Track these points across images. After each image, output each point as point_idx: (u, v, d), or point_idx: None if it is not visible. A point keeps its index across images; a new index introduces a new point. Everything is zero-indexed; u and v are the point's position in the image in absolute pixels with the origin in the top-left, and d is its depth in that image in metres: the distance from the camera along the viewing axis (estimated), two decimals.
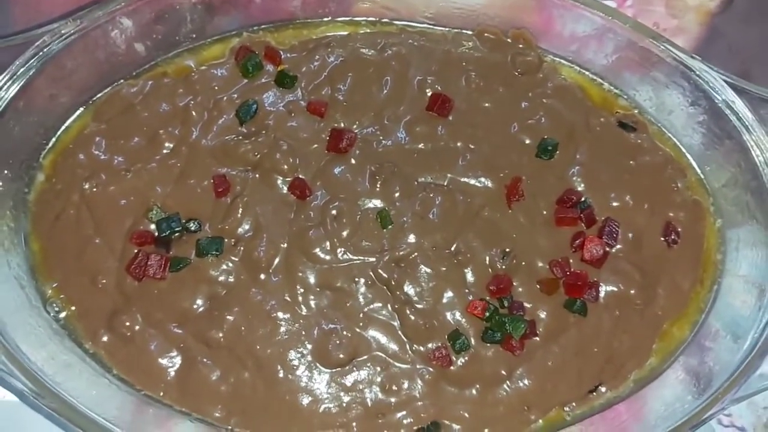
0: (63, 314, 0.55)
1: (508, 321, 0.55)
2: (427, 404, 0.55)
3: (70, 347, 0.54)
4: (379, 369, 0.55)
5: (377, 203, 0.59)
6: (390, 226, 0.58)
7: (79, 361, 0.54)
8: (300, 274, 0.57)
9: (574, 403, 0.56)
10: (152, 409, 0.54)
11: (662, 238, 0.60)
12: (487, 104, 0.62)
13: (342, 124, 0.61)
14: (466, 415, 0.55)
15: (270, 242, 0.57)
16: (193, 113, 0.60)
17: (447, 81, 0.62)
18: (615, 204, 0.60)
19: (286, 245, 0.57)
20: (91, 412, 0.48)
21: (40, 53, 0.54)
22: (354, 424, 0.54)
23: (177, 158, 0.59)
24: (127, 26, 0.59)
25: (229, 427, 0.54)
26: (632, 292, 0.58)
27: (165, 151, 0.59)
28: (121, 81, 0.60)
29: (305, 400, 0.54)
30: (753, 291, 0.58)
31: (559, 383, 0.56)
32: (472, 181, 0.60)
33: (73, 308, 0.55)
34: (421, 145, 0.60)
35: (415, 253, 0.57)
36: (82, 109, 0.59)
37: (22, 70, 0.54)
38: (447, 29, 0.65)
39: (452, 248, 0.58)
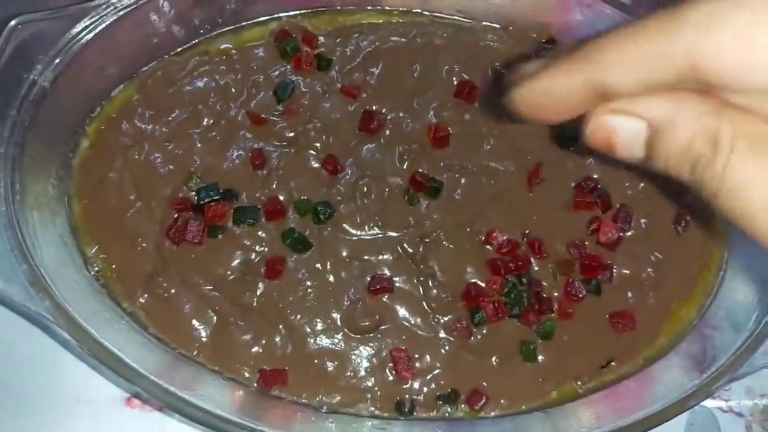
0: (102, 274, 0.58)
1: (526, 296, 0.59)
2: (447, 372, 0.58)
3: (109, 305, 0.57)
4: (403, 337, 0.58)
5: (404, 182, 0.62)
6: (416, 204, 0.61)
7: (117, 318, 0.56)
8: (330, 245, 0.60)
9: (586, 377, 0.59)
10: (185, 367, 0.56)
11: (672, 226, 0.63)
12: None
13: (373, 107, 0.64)
14: (485, 384, 0.58)
15: None
16: (233, 90, 0.63)
17: (474, 70, 0.65)
18: (629, 192, 0.63)
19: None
20: (133, 363, 0.51)
21: (94, 24, 0.57)
22: (377, 388, 0.57)
23: (216, 132, 0.61)
24: (169, 7, 0.62)
25: (256, 386, 0.56)
26: (643, 274, 0.61)
27: (205, 125, 0.62)
28: (166, 57, 0.63)
29: (332, 364, 0.57)
30: (755, 285, 0.61)
31: (573, 358, 0.59)
32: (496, 165, 0.63)
33: (114, 267, 0.58)
34: (448, 129, 0.63)
35: (440, 230, 0.61)
36: (127, 81, 0.62)
37: (76, 39, 0.56)
38: (474, 21, 0.68)
39: (474, 227, 0.61)
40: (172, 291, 0.57)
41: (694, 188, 0.29)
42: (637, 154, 0.31)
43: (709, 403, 0.65)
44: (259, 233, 0.59)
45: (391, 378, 0.57)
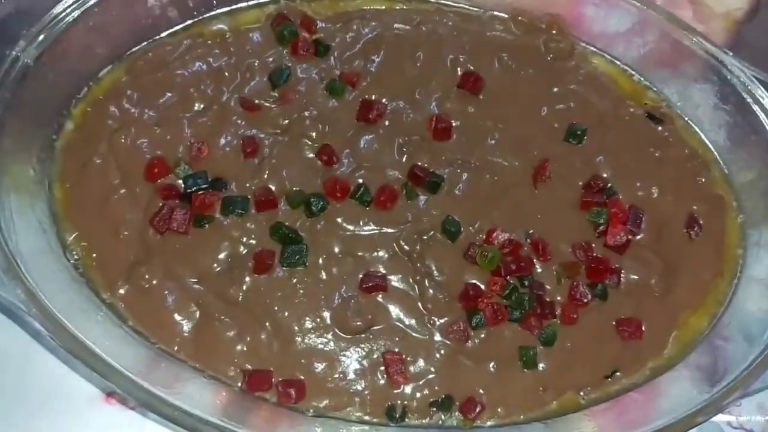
0: (82, 262, 0.55)
1: (528, 299, 0.56)
2: (442, 377, 0.55)
3: (88, 295, 0.54)
4: (396, 339, 0.55)
5: (403, 175, 0.59)
6: (415, 199, 0.58)
7: (95, 309, 0.53)
8: (323, 240, 0.57)
9: (589, 387, 0.56)
10: (165, 363, 0.53)
11: (685, 230, 0.60)
12: (518, 86, 0.63)
13: (373, 96, 0.61)
14: (481, 391, 0.55)
15: None
16: (226, 74, 0.60)
17: (479, 61, 0.63)
18: (640, 193, 0.60)
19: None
20: (107, 357, 0.48)
21: (82, 0, 0.54)
22: (367, 392, 0.54)
23: (207, 117, 0.59)
24: None
25: (240, 385, 0.53)
26: (653, 280, 0.58)
27: (196, 109, 0.59)
28: (158, 37, 0.60)
29: (320, 365, 0.54)
30: None
31: (575, 366, 0.56)
32: (500, 160, 0.60)
33: (94, 255, 0.55)
34: (450, 121, 0.60)
35: (439, 228, 0.58)
36: (116, 62, 0.59)
37: (62, 15, 0.54)
38: (481, 10, 0.65)
39: (476, 225, 0.58)
40: (154, 282, 0.54)
41: None
42: None
43: (718, 418, 0.61)
44: (248, 225, 0.56)
45: (382, 382, 0.54)
